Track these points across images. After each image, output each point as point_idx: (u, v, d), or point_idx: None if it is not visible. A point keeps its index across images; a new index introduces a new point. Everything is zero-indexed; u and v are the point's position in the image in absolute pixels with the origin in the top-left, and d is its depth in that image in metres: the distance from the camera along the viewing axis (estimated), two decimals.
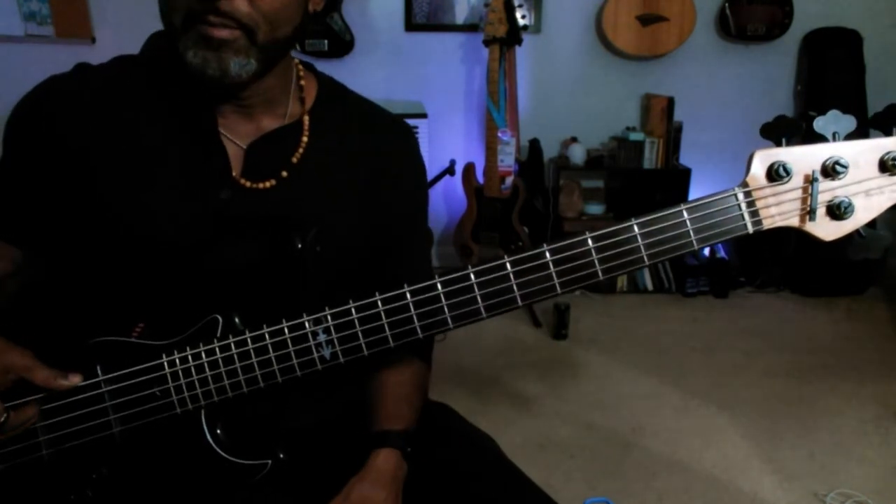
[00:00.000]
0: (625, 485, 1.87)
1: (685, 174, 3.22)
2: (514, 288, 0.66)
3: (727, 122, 3.34)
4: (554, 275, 0.66)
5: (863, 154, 0.63)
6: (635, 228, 0.64)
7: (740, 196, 0.64)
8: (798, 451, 2.01)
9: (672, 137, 3.22)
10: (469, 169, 3.15)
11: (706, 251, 3.39)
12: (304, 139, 0.82)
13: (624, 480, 1.89)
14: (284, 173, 0.81)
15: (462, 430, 0.93)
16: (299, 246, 0.74)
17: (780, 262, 3.31)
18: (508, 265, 0.66)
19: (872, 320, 2.96)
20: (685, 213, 0.64)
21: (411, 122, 3.49)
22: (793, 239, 3.30)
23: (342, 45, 3.15)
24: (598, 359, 2.59)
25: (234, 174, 0.79)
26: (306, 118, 0.83)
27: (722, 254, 3.37)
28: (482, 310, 0.67)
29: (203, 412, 0.74)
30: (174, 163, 0.79)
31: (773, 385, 2.40)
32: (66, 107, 0.78)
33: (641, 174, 3.24)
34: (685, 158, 3.32)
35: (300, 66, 0.85)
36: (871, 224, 0.65)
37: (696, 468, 1.93)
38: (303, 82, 0.85)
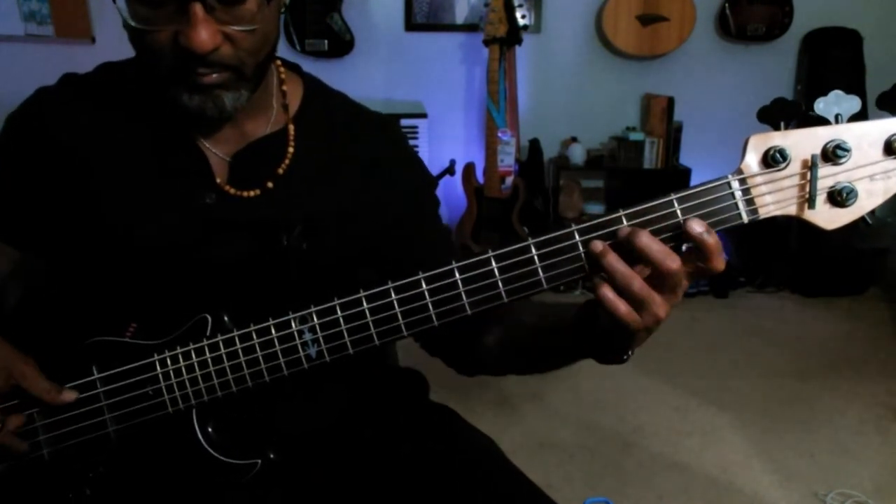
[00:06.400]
0: (625, 485, 1.87)
1: (685, 174, 3.22)
2: (499, 284, 0.64)
3: (727, 122, 3.34)
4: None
5: (866, 136, 0.59)
6: (624, 220, 0.62)
7: (735, 184, 0.61)
8: (798, 451, 2.01)
9: (672, 137, 3.22)
10: (469, 169, 3.15)
11: None
12: (290, 150, 0.82)
13: (624, 480, 1.89)
14: (270, 184, 0.81)
15: (462, 431, 0.93)
16: (285, 243, 0.74)
17: (781, 262, 3.31)
18: (493, 260, 0.64)
19: (872, 320, 2.96)
20: (676, 203, 0.61)
21: (411, 122, 3.47)
22: (793, 238, 3.30)
23: (342, 45, 3.15)
24: None
25: (218, 181, 0.79)
26: (291, 127, 0.83)
27: None
28: (467, 306, 0.65)
29: (194, 411, 0.74)
30: (158, 167, 0.79)
31: (773, 385, 2.40)
32: (56, 114, 0.80)
33: (641, 174, 3.24)
34: (685, 158, 3.32)
35: (282, 70, 0.85)
36: (872, 211, 0.61)
37: (696, 468, 1.93)
38: (285, 87, 0.84)
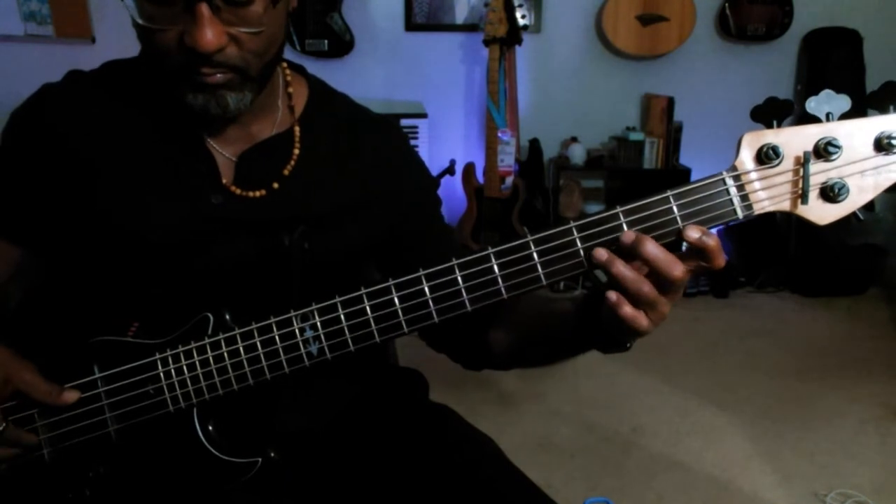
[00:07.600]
0: (625, 485, 1.87)
1: (685, 174, 3.22)
2: (499, 280, 0.65)
3: (727, 122, 3.33)
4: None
5: (857, 133, 0.60)
6: (621, 216, 0.63)
7: (729, 181, 0.62)
8: (798, 451, 2.01)
9: (672, 137, 3.22)
10: (469, 169, 3.15)
11: None
12: (296, 151, 0.82)
13: (624, 480, 1.89)
14: (276, 185, 0.81)
15: (462, 431, 0.93)
16: (286, 243, 0.75)
17: (781, 262, 3.31)
18: (493, 257, 0.65)
19: (872, 320, 2.96)
20: (672, 200, 0.62)
21: (411, 122, 3.47)
22: (793, 239, 3.30)
23: (342, 45, 3.15)
24: (598, 359, 2.59)
25: (224, 181, 0.80)
26: (297, 128, 0.83)
27: None
28: (467, 303, 0.66)
29: (195, 410, 0.74)
30: (164, 166, 0.79)
31: (773, 385, 2.40)
32: (60, 110, 0.80)
33: (641, 174, 3.24)
34: (685, 158, 3.32)
35: (287, 72, 0.85)
36: (870, 207, 0.63)
37: (696, 468, 1.94)
38: (291, 89, 0.85)
